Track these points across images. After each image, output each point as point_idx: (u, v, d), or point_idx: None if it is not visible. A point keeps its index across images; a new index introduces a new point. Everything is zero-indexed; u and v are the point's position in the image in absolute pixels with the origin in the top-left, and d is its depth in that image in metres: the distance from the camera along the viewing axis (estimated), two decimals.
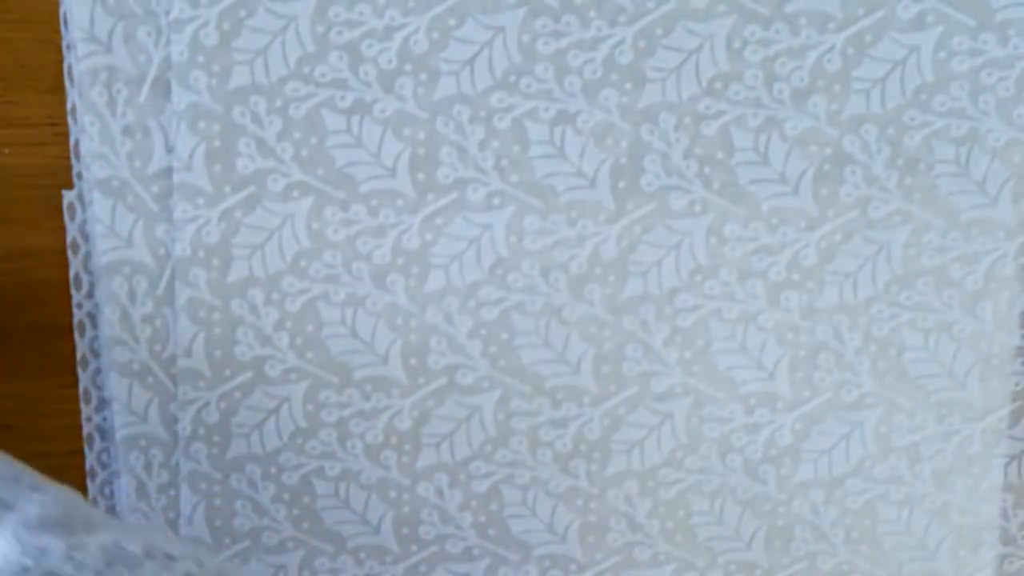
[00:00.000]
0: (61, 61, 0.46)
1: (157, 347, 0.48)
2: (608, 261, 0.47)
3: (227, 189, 0.46)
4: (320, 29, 0.44)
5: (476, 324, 0.48)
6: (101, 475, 0.50)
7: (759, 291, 0.48)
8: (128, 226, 0.46)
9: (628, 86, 0.46)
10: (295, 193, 0.46)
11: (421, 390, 0.48)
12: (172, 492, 0.49)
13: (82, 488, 0.50)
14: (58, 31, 0.45)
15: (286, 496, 0.49)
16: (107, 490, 0.51)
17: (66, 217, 0.47)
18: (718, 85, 0.46)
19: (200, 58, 0.44)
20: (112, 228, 0.46)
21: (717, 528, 0.51)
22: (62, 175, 0.46)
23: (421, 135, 0.45)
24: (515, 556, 0.51)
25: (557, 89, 0.45)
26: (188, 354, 0.47)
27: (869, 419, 0.50)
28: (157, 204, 0.46)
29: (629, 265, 0.48)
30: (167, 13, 0.44)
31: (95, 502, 0.50)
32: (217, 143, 0.45)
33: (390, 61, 0.45)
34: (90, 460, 0.50)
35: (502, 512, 0.50)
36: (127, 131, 0.45)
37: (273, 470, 0.49)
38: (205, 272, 0.46)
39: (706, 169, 0.47)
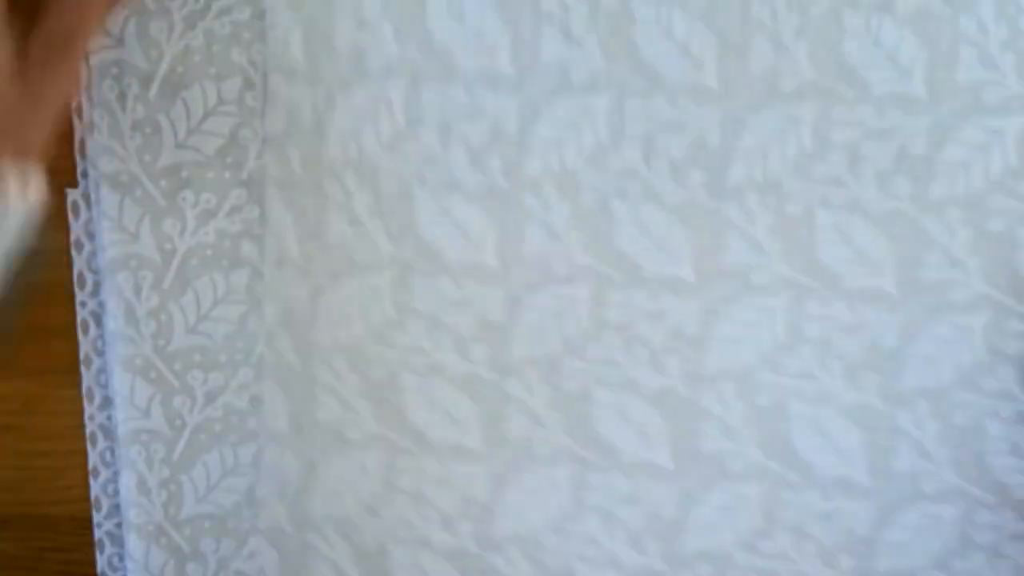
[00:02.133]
0: None
1: (161, 342, 0.46)
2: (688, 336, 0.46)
3: None
4: None
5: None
6: (104, 474, 0.49)
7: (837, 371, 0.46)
8: (135, 221, 0.45)
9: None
10: None
11: None
12: (173, 487, 0.48)
13: (84, 487, 0.49)
14: None
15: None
16: (110, 488, 0.49)
17: (70, 215, 0.45)
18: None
19: None
20: (119, 222, 0.44)
21: None
22: (65, 173, 0.45)
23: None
24: None
25: (644, 168, 0.44)
26: None
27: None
28: (165, 199, 0.45)
29: (707, 341, 0.46)
30: (181, 8, 0.43)
31: (98, 501, 0.49)
32: None
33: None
34: (93, 459, 0.49)
35: None
36: (136, 126, 0.43)
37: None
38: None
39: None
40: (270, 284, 0.46)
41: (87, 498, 0.49)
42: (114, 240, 0.45)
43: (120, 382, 0.46)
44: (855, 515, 0.48)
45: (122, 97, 0.44)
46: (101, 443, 0.49)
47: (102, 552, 0.50)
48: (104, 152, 0.44)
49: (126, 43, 0.43)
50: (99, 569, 0.51)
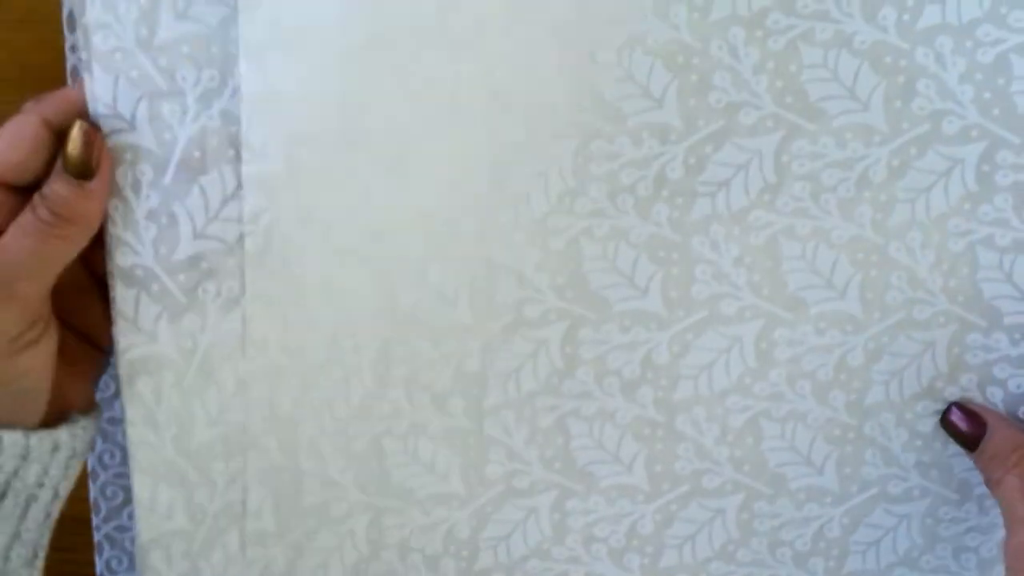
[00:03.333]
0: (61, 61, 0.44)
1: (182, 440, 0.47)
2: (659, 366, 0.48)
3: None
4: None
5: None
6: (103, 476, 0.51)
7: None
8: (152, 320, 0.45)
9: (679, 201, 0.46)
10: None
11: None
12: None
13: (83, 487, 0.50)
14: (58, 31, 0.43)
15: None
16: (108, 491, 0.51)
17: None
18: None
19: None
20: (135, 322, 0.45)
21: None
22: None
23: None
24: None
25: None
26: None
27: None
28: (185, 296, 0.44)
29: (681, 369, 0.48)
30: (194, 86, 0.42)
31: (96, 504, 0.51)
32: None
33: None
34: (91, 461, 0.51)
35: None
36: (151, 215, 0.43)
37: None
38: None
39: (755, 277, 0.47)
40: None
41: (86, 498, 0.51)
42: (130, 342, 0.45)
43: (140, 486, 0.47)
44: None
45: (136, 185, 0.43)
46: (99, 445, 0.50)
47: (101, 555, 0.52)
48: (118, 243, 0.43)
49: (137, 127, 0.42)
50: (98, 571, 0.52)
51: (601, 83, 0.44)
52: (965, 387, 0.48)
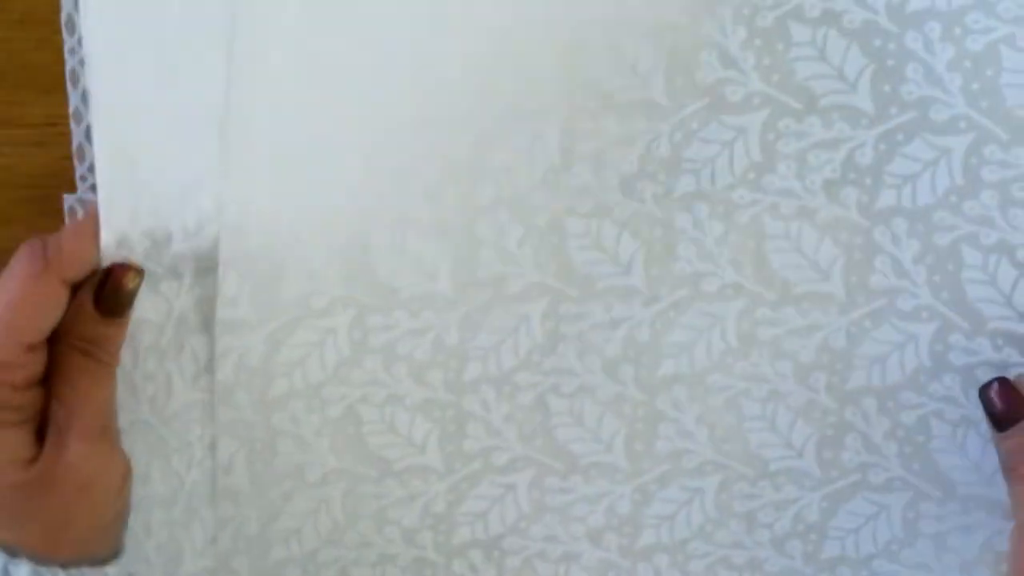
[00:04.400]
0: (61, 61, 0.45)
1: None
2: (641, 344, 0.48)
3: None
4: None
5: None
6: None
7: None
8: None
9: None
10: None
11: None
12: None
13: None
14: (58, 31, 0.44)
15: None
16: None
17: (67, 220, 0.46)
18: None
19: None
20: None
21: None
22: (62, 176, 0.46)
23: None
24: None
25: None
26: None
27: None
28: (162, 267, 0.45)
29: (664, 348, 0.48)
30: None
31: None
32: None
33: None
34: None
35: None
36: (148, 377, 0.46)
37: None
38: None
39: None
40: None
41: None
42: None
43: None
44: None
45: (134, 355, 0.45)
46: None
47: None
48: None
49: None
50: None
51: (588, 63, 0.44)
52: (948, 386, 0.48)
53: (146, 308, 0.45)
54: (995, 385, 0.46)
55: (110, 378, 0.43)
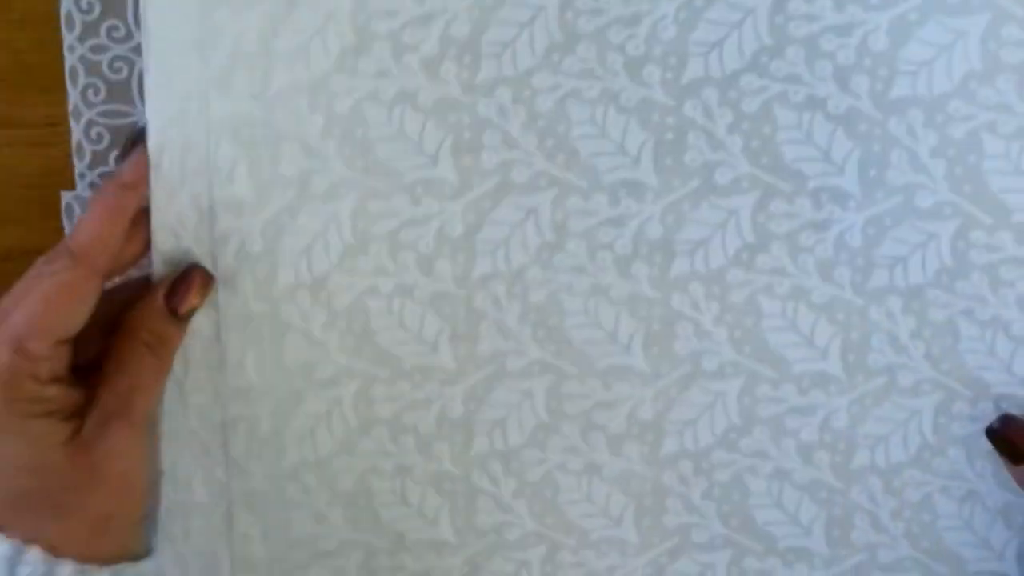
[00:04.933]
0: (61, 61, 0.46)
1: None
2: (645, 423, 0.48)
3: None
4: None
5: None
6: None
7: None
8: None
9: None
10: None
11: None
12: None
13: None
14: (58, 31, 0.45)
15: None
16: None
17: (64, 218, 0.46)
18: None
19: None
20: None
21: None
22: (62, 175, 0.46)
23: None
24: None
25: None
26: None
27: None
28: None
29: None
30: None
31: None
32: None
33: None
34: None
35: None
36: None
37: None
38: None
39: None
40: None
41: None
42: None
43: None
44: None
45: (185, 365, 0.46)
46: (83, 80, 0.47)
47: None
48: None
49: None
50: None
51: (578, 141, 0.46)
52: (953, 460, 0.47)
53: (199, 320, 0.45)
54: (1002, 422, 0.46)
55: (165, 377, 0.44)
